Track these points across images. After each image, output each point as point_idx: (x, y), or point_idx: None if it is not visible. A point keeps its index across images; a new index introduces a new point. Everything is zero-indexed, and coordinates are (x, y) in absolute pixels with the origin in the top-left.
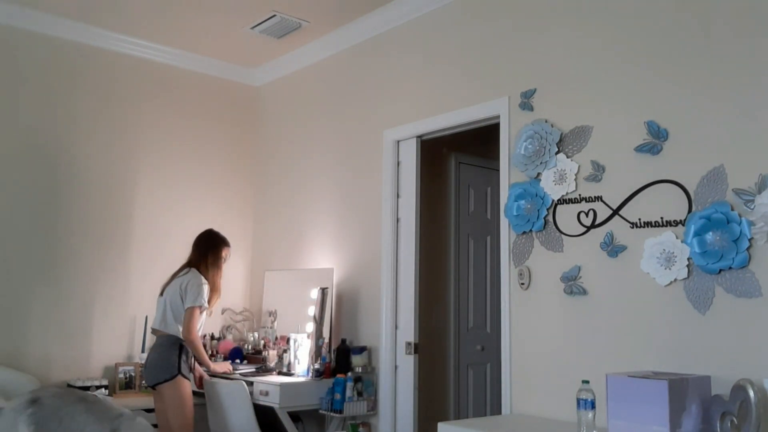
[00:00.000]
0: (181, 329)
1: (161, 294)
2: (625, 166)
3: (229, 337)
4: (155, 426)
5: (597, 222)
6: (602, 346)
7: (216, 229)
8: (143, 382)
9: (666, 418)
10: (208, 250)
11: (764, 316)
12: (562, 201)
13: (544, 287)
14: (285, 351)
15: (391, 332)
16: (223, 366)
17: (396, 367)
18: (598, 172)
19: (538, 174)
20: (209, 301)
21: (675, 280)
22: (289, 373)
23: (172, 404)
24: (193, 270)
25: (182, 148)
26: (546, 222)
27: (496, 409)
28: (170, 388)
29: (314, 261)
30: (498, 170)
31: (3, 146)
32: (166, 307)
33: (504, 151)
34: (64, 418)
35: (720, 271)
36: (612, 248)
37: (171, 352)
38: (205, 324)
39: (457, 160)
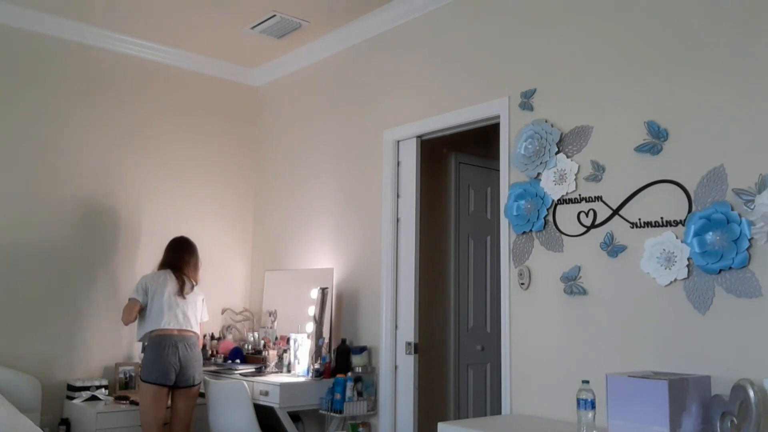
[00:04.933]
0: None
1: (181, 296)
2: (625, 166)
3: (229, 337)
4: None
5: (597, 222)
6: (602, 346)
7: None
8: (177, 381)
9: (666, 418)
10: (193, 259)
11: (764, 316)
12: (562, 201)
13: (544, 287)
14: (285, 351)
15: (391, 332)
16: None
17: (396, 367)
18: (598, 172)
19: (538, 174)
20: None
21: (675, 280)
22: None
23: (194, 403)
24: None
25: (182, 149)
26: (546, 222)
27: (496, 409)
28: (197, 389)
29: (314, 261)
30: (498, 170)
31: (3, 148)
32: (196, 312)
33: (504, 151)
34: None
35: (720, 271)
36: (612, 248)
37: (201, 355)
38: (206, 324)
39: (457, 160)
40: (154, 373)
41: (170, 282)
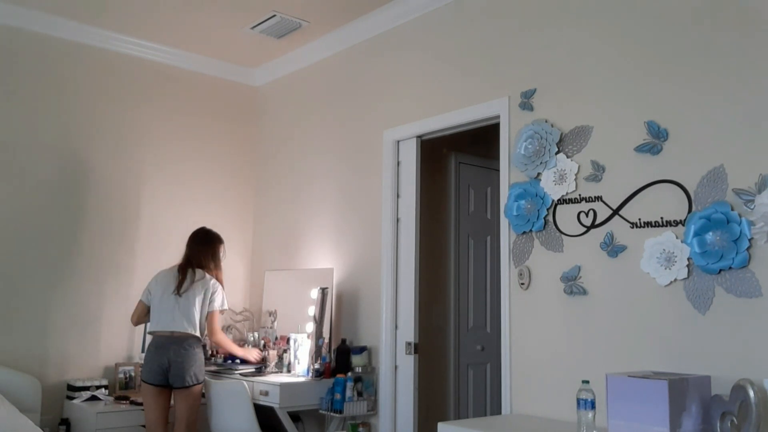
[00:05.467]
0: (197, 333)
1: (177, 293)
2: (625, 166)
3: (229, 337)
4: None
5: (597, 222)
6: (602, 346)
7: (216, 229)
8: (171, 381)
9: (666, 418)
10: (209, 250)
11: (764, 316)
12: (562, 201)
13: (544, 287)
14: (285, 351)
15: (391, 332)
16: (253, 353)
17: (396, 367)
18: (598, 172)
19: (538, 174)
20: None
21: (675, 280)
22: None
23: (194, 404)
24: (207, 274)
25: (182, 149)
26: (546, 222)
27: (496, 409)
28: (197, 390)
29: (314, 261)
30: (498, 170)
31: (3, 146)
32: (190, 310)
33: (504, 151)
34: None
35: (720, 271)
36: (612, 248)
37: (201, 355)
38: (221, 314)
39: (457, 160)
40: (145, 373)
41: (169, 281)
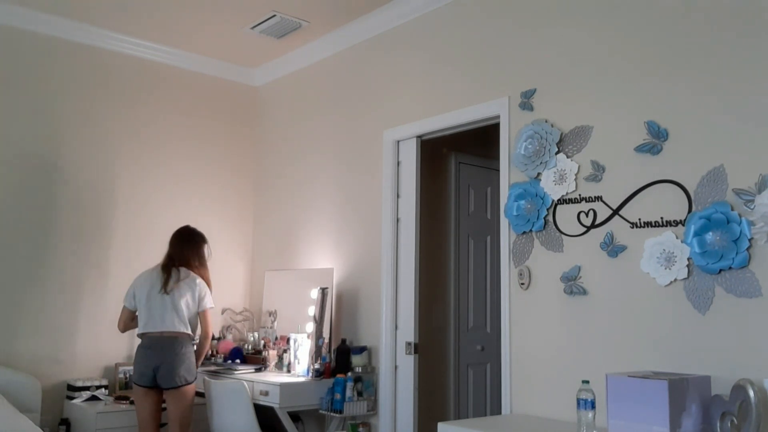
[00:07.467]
0: (189, 331)
1: (165, 292)
2: (625, 166)
3: (229, 337)
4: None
5: (597, 222)
6: (602, 346)
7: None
8: (160, 382)
9: (666, 418)
10: (193, 248)
11: (764, 316)
12: (562, 201)
13: (544, 287)
14: (285, 351)
15: (391, 332)
16: None
17: (396, 367)
18: (598, 172)
19: (538, 174)
20: None
21: (675, 280)
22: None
23: (187, 405)
24: (192, 272)
25: (182, 149)
26: (546, 222)
27: (496, 409)
28: (191, 389)
29: (314, 261)
30: (498, 170)
31: (4, 148)
32: (179, 308)
33: (504, 151)
34: None
35: (720, 271)
36: (612, 248)
37: (191, 354)
38: (212, 312)
39: (457, 160)
40: (135, 375)
41: (154, 280)
